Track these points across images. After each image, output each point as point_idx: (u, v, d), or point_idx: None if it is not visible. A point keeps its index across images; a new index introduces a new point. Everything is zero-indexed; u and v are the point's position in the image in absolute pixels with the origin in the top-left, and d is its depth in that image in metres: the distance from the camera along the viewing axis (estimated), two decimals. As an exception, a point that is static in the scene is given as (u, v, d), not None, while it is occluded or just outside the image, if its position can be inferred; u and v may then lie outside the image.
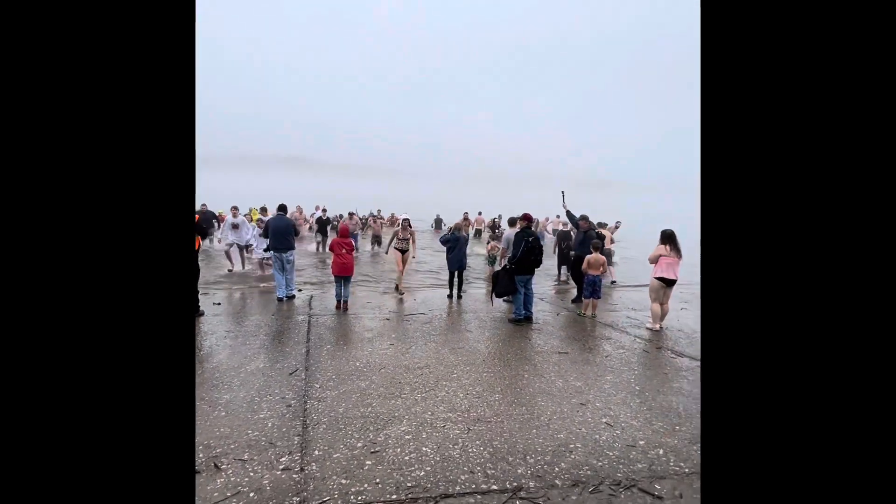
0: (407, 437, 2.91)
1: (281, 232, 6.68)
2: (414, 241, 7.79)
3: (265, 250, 7.57)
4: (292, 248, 6.76)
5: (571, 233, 8.30)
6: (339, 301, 6.31)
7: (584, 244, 7.16)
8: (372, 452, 2.72)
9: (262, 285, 8.01)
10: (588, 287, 6.34)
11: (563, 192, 8.05)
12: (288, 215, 7.84)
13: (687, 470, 2.64)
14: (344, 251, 6.26)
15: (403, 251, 7.66)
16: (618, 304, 7.39)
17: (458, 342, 5.02)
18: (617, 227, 13.32)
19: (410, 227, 7.84)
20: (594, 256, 6.42)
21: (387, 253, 8.21)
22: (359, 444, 2.80)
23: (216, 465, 2.53)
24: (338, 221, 14.13)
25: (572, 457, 2.74)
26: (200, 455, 2.63)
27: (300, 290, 7.33)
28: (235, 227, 9.12)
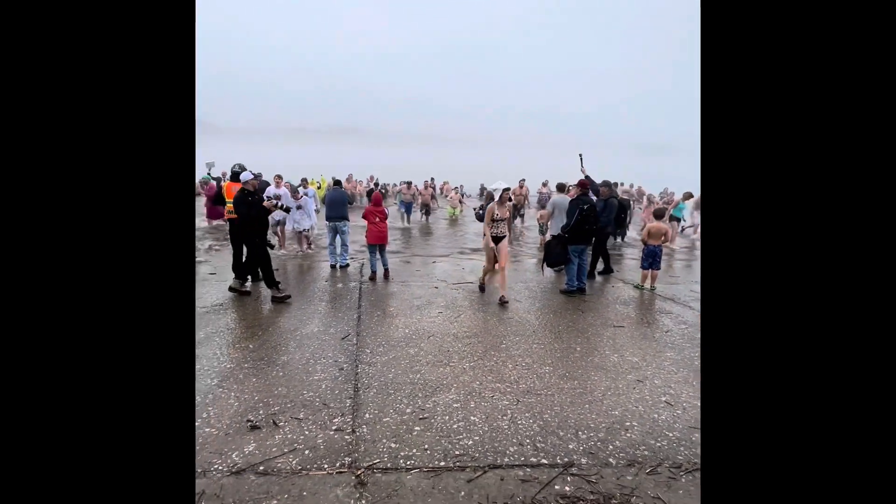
0: (455, 405, 2.91)
1: (336, 203, 6.85)
2: (512, 222, 5.99)
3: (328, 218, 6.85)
4: (346, 218, 6.92)
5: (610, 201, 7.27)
6: (374, 272, 6.29)
7: (605, 213, 6.52)
8: (420, 419, 2.74)
9: (311, 258, 8.30)
10: (647, 258, 5.95)
11: (580, 155, 7.26)
12: (343, 186, 7.87)
13: (758, 457, 2.43)
14: (377, 220, 6.24)
15: (500, 239, 5.33)
16: (680, 277, 6.92)
17: (507, 312, 4.93)
18: (686, 200, 11.42)
19: (512, 200, 6.03)
20: (655, 225, 5.99)
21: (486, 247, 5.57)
22: (408, 410, 2.84)
23: (275, 423, 2.66)
24: (384, 191, 14.06)
25: (628, 435, 2.61)
26: (260, 412, 2.78)
27: (352, 259, 7.51)
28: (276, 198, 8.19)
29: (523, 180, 13.54)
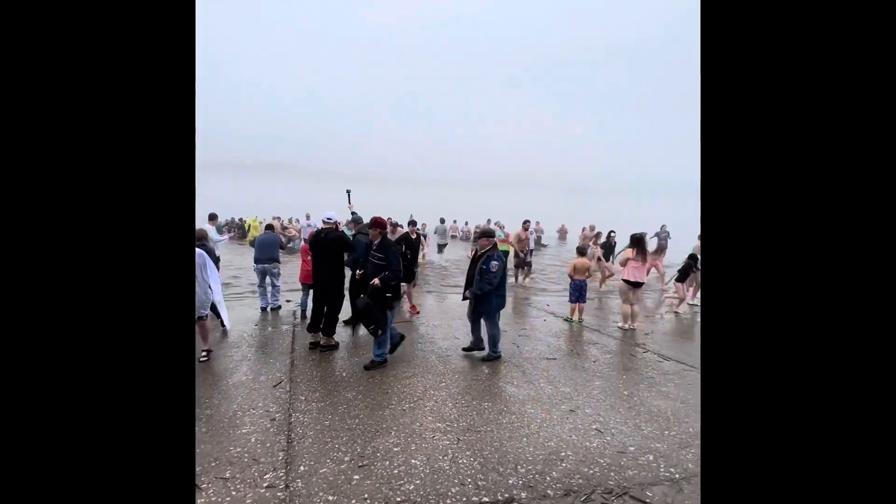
0: (395, 449, 2.85)
1: (266, 245, 6.62)
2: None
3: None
4: (277, 260, 6.69)
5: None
6: (303, 310, 6.27)
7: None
8: (360, 466, 2.64)
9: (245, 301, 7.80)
10: (574, 292, 6.37)
11: (348, 192, 6.50)
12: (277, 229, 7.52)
13: (677, 476, 2.64)
14: (308, 258, 6.09)
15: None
16: (604, 309, 7.45)
17: (447, 351, 4.96)
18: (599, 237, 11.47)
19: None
20: (580, 261, 6.47)
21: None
22: (346, 458, 2.73)
23: (196, 485, 2.42)
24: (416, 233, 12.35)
25: (563, 465, 2.72)
26: (179, 474, 2.52)
27: (288, 301, 7.18)
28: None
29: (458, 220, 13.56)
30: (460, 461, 2.72)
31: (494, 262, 4.49)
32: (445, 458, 2.76)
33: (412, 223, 7.81)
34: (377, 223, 4.39)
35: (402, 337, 4.82)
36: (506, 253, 12.12)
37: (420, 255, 10.13)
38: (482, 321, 4.72)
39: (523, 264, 9.66)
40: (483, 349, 4.78)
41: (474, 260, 4.73)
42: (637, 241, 6.06)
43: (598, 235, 12.26)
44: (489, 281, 4.46)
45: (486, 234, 4.80)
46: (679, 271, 7.58)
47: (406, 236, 6.73)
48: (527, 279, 9.86)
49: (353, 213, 6.43)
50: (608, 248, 11.61)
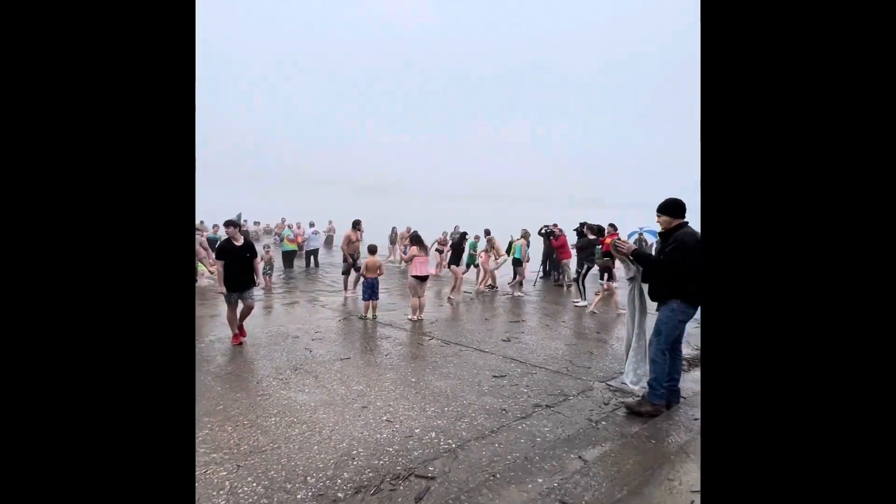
0: (152, 499, 2.33)
1: None
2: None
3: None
4: None
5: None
6: None
7: None
8: (95, 537, 2.06)
9: None
10: (367, 290, 6.53)
11: None
12: None
13: (454, 445, 2.99)
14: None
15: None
16: (397, 304, 7.89)
17: (224, 364, 4.37)
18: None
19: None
20: (371, 260, 6.68)
21: None
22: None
23: None
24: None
25: (355, 463, 2.74)
26: None
27: None
28: None
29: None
30: (240, 491, 2.43)
31: None
32: (222, 492, 2.42)
33: (233, 224, 5.30)
34: None
35: None
36: (293, 252, 11.68)
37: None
38: None
39: (353, 268, 8.41)
40: None
41: None
42: (416, 240, 6.75)
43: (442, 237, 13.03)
44: None
45: None
46: (601, 270, 7.77)
47: (226, 243, 5.11)
48: (356, 286, 8.34)
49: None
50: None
